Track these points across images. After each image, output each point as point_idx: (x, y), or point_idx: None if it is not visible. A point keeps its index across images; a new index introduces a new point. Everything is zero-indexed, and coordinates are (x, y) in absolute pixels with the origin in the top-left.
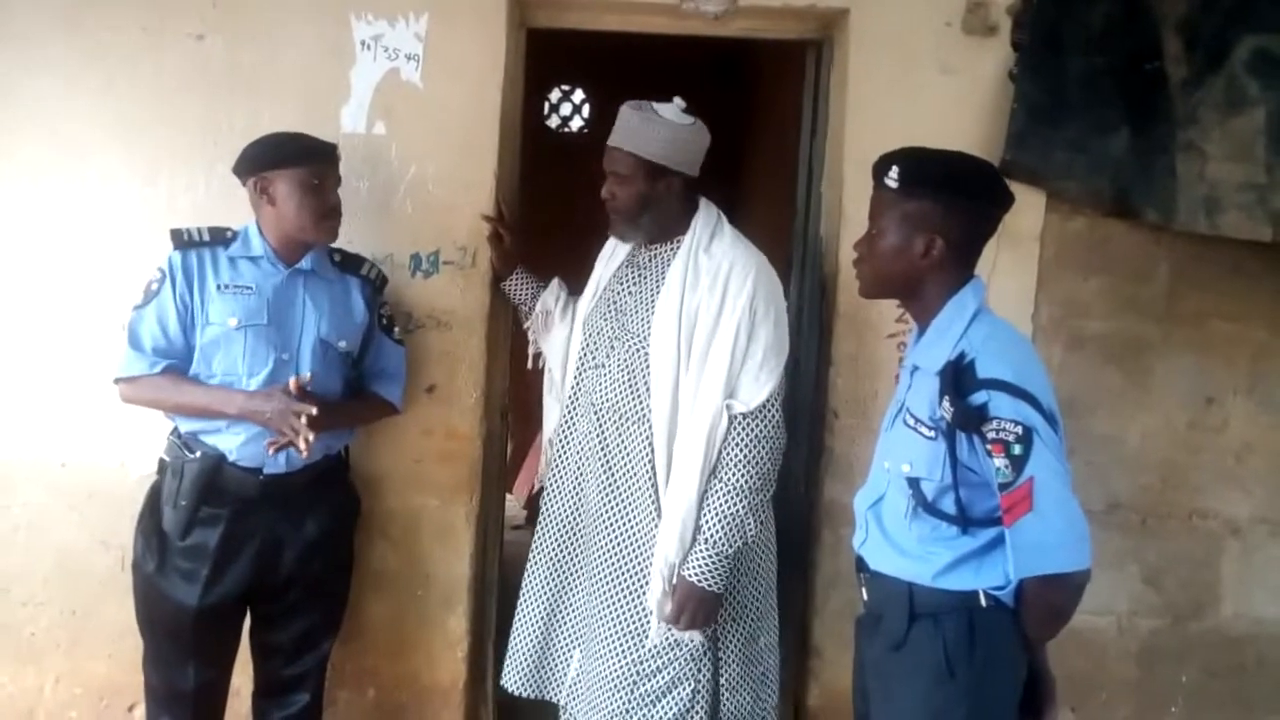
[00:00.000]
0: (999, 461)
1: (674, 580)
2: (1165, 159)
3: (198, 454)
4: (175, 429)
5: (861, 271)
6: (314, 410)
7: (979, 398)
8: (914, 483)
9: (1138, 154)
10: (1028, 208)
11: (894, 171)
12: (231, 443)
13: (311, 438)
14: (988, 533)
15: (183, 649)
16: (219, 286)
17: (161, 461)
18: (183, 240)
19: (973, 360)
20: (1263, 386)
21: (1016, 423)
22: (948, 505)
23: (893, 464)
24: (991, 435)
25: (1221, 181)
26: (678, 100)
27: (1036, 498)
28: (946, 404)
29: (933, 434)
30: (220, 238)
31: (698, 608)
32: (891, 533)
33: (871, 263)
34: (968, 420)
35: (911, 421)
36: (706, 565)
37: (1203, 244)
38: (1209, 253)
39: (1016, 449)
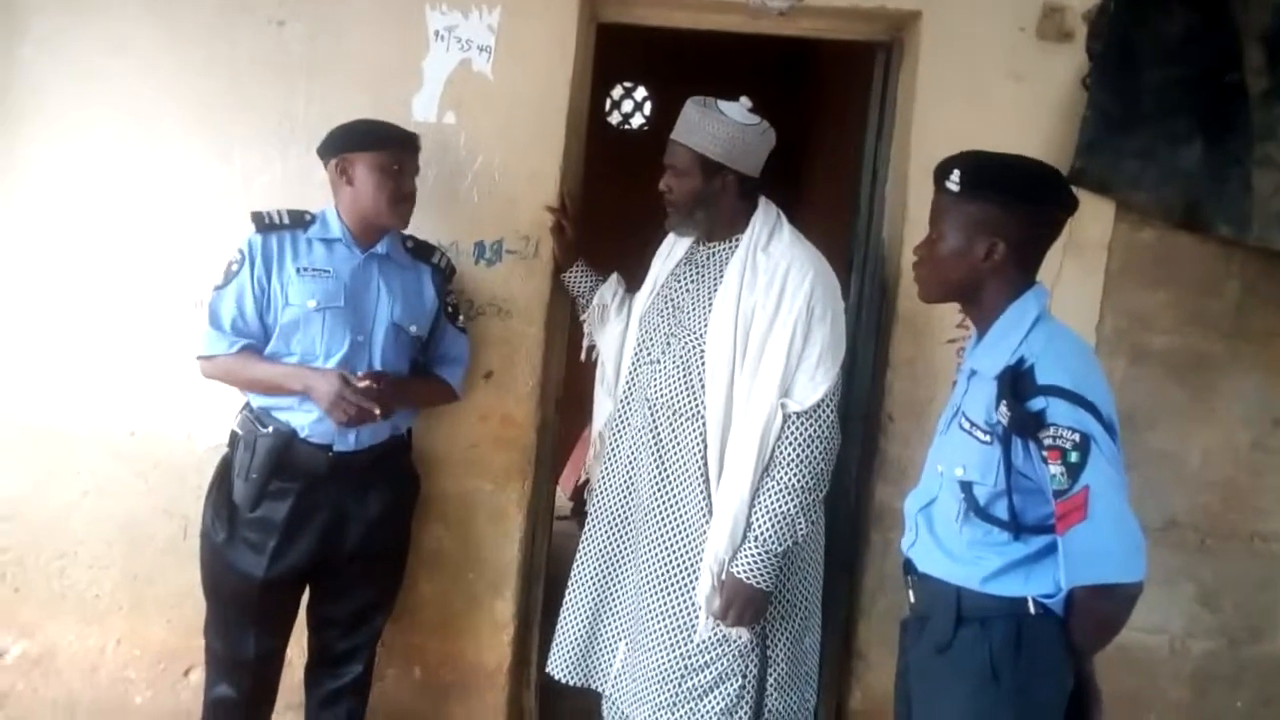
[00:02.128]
0: (1055, 468)
1: (723, 576)
2: (1240, 172)
3: (270, 429)
4: (248, 404)
5: (921, 275)
6: (364, 382)
7: (1037, 403)
8: (967, 486)
9: (1211, 166)
10: (1096, 217)
11: (955, 175)
12: (303, 419)
13: (377, 411)
14: (1039, 540)
15: (247, 618)
16: (299, 269)
17: (233, 435)
18: (263, 223)
19: (1032, 366)
20: None
21: (1074, 430)
22: (1000, 510)
23: (946, 467)
24: (1048, 442)
25: None
26: (744, 100)
27: (1091, 507)
28: (1004, 408)
29: (988, 438)
30: (300, 221)
31: (746, 604)
32: (941, 536)
33: (932, 266)
34: (1025, 426)
35: (967, 425)
36: (756, 563)
37: (1275, 260)
38: None
39: (1073, 456)
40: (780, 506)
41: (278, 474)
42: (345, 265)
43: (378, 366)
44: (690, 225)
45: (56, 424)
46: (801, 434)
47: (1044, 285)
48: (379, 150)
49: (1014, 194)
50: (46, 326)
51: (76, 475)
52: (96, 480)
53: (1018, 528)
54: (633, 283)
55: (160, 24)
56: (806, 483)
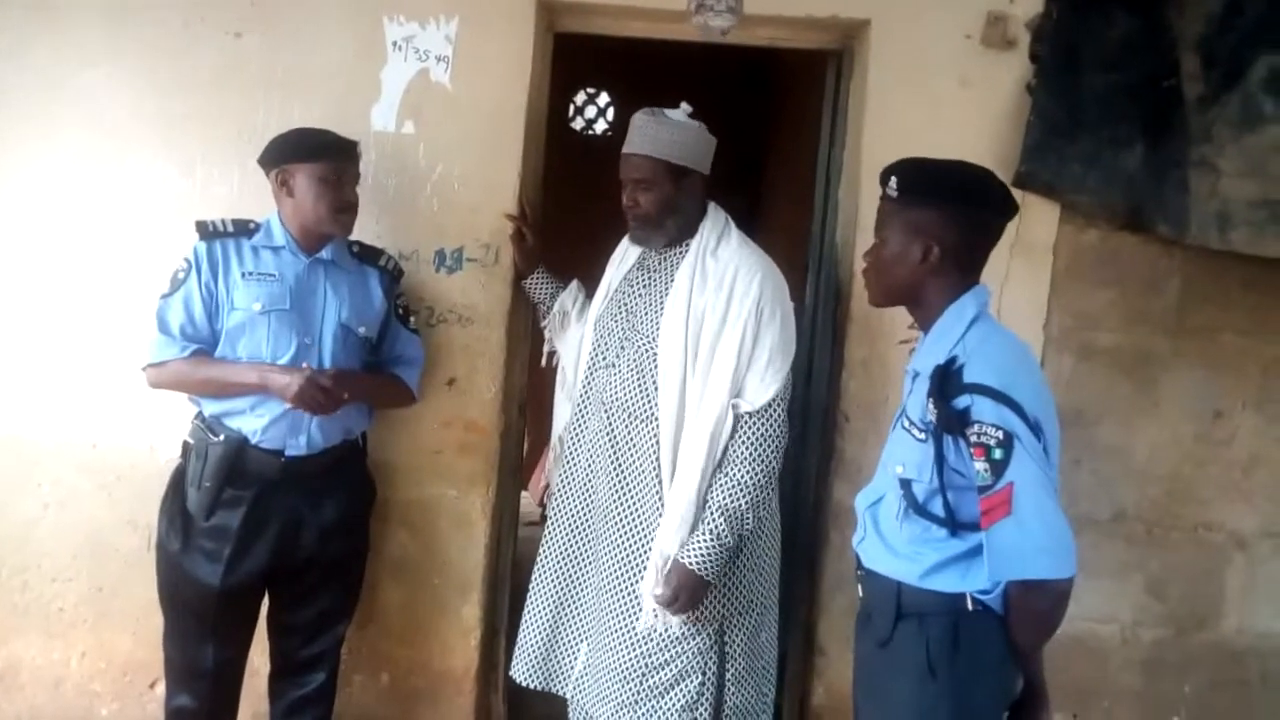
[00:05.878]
0: (979, 464)
1: (667, 569)
2: (1179, 174)
3: (221, 437)
4: (199, 413)
5: (868, 279)
6: (328, 383)
7: (962, 401)
8: (906, 484)
9: (1152, 169)
10: (1042, 219)
11: (893, 181)
12: (254, 425)
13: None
14: (975, 536)
15: (203, 627)
16: (244, 274)
17: (186, 444)
18: (208, 231)
19: (961, 365)
20: (1272, 401)
21: (998, 427)
22: (936, 507)
23: (890, 465)
24: (973, 439)
25: (1234, 198)
26: (684, 105)
27: (1015, 503)
28: (931, 406)
29: (923, 436)
30: (244, 229)
31: (691, 593)
32: (885, 533)
33: (877, 270)
34: (950, 423)
35: (907, 424)
36: (706, 553)
37: (1214, 259)
38: (1220, 267)
39: (997, 453)
40: (733, 502)
41: (230, 481)
42: (290, 270)
43: (328, 368)
44: (661, 235)
45: (19, 436)
46: (754, 433)
47: (985, 286)
48: (318, 160)
49: (947, 198)
50: (8, 338)
51: (39, 488)
52: (59, 493)
53: (954, 524)
54: (593, 288)
55: (121, 36)
56: (759, 479)
